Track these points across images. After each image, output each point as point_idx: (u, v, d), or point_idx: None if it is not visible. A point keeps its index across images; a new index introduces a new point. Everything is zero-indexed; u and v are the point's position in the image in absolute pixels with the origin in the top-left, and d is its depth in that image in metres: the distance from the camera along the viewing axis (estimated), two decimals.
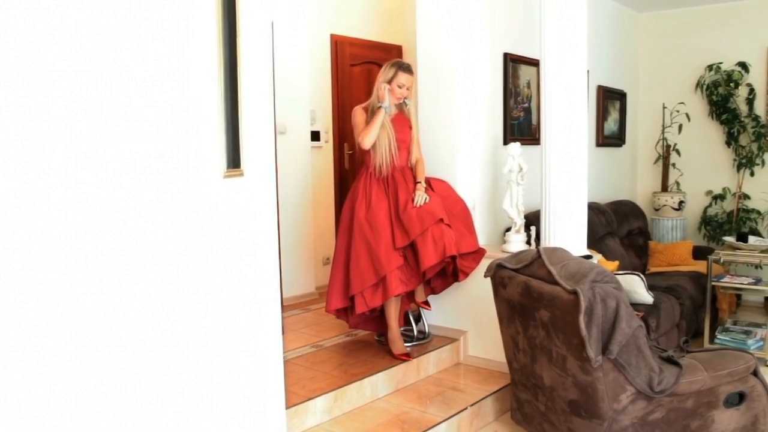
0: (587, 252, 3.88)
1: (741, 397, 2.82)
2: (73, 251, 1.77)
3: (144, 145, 1.90)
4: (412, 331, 4.12)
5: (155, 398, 2.01)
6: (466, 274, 3.91)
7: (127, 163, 1.86)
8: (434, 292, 4.09)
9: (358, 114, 3.80)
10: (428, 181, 3.92)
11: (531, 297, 2.86)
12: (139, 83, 1.87)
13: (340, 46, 5.67)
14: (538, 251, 2.99)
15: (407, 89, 3.81)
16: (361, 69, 5.87)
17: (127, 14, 1.83)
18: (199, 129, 1.99)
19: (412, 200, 3.70)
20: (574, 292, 2.60)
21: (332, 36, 5.63)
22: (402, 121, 3.87)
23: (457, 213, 3.88)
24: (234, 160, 1.95)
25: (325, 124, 5.64)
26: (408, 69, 3.81)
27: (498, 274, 3.13)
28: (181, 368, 2.07)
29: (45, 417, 1.73)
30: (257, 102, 2.06)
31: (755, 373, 2.87)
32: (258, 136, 2.08)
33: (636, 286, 4.21)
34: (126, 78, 1.85)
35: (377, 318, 3.99)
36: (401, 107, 3.87)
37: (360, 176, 3.88)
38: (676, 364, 2.77)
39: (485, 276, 3.26)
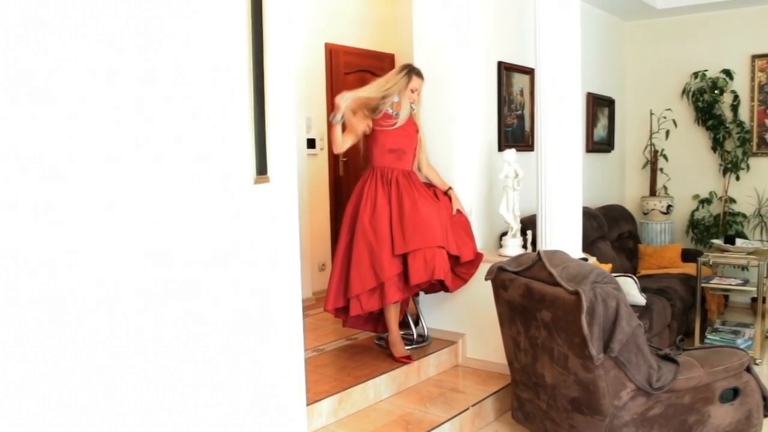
0: (583, 255, 3.98)
1: (735, 393, 2.92)
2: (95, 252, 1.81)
3: (181, 151, 1.97)
4: (412, 334, 4.19)
5: (162, 399, 2.04)
6: (465, 281, 3.98)
7: (160, 169, 1.92)
8: (425, 291, 4.13)
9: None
10: (434, 189, 3.99)
11: (532, 298, 2.94)
12: (180, 90, 1.95)
13: (334, 54, 5.75)
14: (539, 254, 3.07)
15: (417, 94, 3.89)
16: (355, 77, 5.95)
17: (167, 22, 1.90)
18: (233, 135, 2.05)
19: (418, 208, 3.72)
20: (576, 293, 2.68)
21: (326, 45, 5.71)
22: (409, 125, 3.91)
23: (462, 222, 3.95)
24: (261, 167, 2.02)
25: (320, 132, 5.70)
26: (420, 74, 3.89)
27: (499, 276, 3.21)
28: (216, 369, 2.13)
29: (45, 417, 1.73)
30: (281, 109, 2.13)
31: (749, 369, 2.98)
32: (282, 144, 2.15)
33: (629, 288, 4.31)
34: (167, 84, 1.92)
35: (375, 319, 4.05)
36: (409, 111, 3.91)
37: (365, 178, 3.88)
38: (674, 361, 2.87)
39: (486, 279, 3.34)
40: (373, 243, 3.69)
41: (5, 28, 1.59)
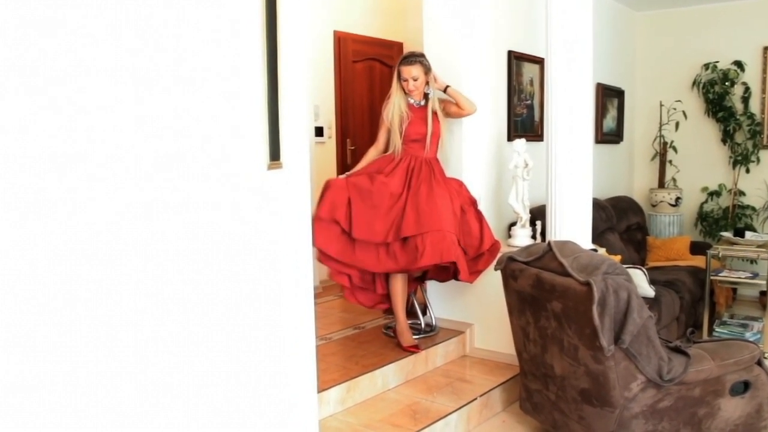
0: (593, 246, 3.96)
1: (746, 386, 2.91)
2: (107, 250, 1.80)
3: (195, 137, 1.96)
4: (420, 323, 4.18)
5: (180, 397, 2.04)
6: (479, 272, 3.94)
7: (173, 156, 1.91)
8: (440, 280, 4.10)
9: (384, 111, 3.92)
10: (450, 182, 3.94)
11: (543, 289, 2.93)
12: (195, 78, 1.94)
13: (343, 42, 5.72)
14: (549, 244, 3.06)
15: (414, 80, 3.80)
16: (364, 65, 5.93)
17: (183, 11, 1.90)
18: (247, 121, 2.04)
19: (434, 197, 3.69)
20: (587, 284, 2.67)
21: (335, 32, 5.68)
22: (426, 115, 3.87)
23: (476, 212, 3.93)
24: (274, 153, 2.01)
25: (328, 120, 5.69)
26: (407, 60, 3.82)
27: (509, 266, 3.20)
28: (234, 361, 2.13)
29: (45, 417, 1.72)
30: (294, 96, 2.12)
31: (759, 363, 2.96)
32: (294, 130, 2.13)
33: (638, 280, 4.29)
34: (179, 74, 1.91)
35: (342, 268, 3.85)
36: (427, 101, 3.89)
37: (391, 157, 3.87)
38: (684, 353, 2.85)
39: (495, 269, 3.33)
40: (369, 195, 3.66)
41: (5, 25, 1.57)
